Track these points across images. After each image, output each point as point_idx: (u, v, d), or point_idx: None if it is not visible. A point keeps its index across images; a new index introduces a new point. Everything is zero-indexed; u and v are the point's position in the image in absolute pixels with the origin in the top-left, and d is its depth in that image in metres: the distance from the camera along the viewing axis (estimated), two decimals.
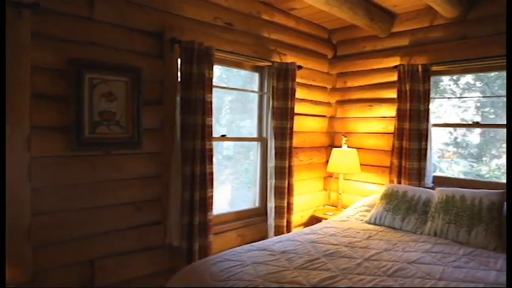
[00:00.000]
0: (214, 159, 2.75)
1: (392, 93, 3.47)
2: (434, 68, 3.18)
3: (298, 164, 3.72)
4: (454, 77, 3.44)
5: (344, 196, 3.82)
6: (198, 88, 2.57)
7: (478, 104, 3.42)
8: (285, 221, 3.30)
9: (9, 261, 1.93)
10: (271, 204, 3.30)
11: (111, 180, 2.34)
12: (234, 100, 3.60)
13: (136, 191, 2.46)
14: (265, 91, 3.43)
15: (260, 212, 3.43)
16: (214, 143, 2.79)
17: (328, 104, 4.09)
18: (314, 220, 3.78)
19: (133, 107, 2.38)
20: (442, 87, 3.53)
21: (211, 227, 2.73)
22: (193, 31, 2.69)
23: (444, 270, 2.01)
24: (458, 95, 3.47)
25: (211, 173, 2.71)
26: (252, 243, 2.45)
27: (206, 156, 2.64)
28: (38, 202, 2.03)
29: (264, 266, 2.03)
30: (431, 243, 2.44)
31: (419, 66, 3.17)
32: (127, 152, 2.40)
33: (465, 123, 3.42)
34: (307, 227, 2.97)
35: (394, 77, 3.44)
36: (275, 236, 3.17)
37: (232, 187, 3.61)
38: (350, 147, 3.74)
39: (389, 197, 3.03)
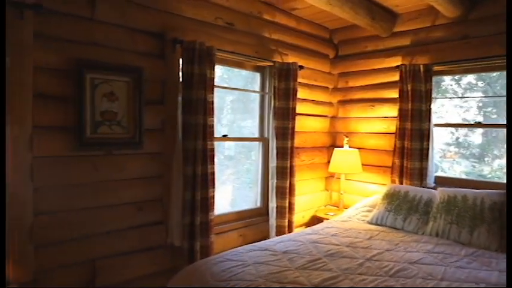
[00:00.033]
0: (215, 159, 2.75)
1: (394, 93, 3.46)
2: (436, 68, 3.17)
3: (300, 164, 3.71)
4: (456, 77, 3.44)
5: (345, 196, 3.81)
6: (200, 88, 2.58)
7: (480, 104, 3.41)
8: (286, 221, 3.30)
9: (11, 261, 1.94)
10: (272, 204, 3.30)
11: (113, 180, 2.35)
12: (236, 100, 3.60)
13: (137, 191, 2.47)
14: (267, 91, 3.43)
15: (261, 212, 3.42)
16: (216, 143, 2.79)
17: (330, 104, 4.08)
18: (315, 220, 3.78)
19: (135, 107, 2.39)
20: (443, 87, 3.52)
21: (213, 227, 2.73)
22: (194, 31, 2.69)
23: (446, 270, 2.01)
24: (460, 95, 3.47)
25: (213, 173, 2.71)
26: (253, 243, 2.45)
27: (208, 156, 2.65)
28: (40, 202, 2.04)
29: (266, 266, 2.03)
30: (433, 244, 2.43)
31: (421, 66, 3.17)
32: (128, 152, 2.40)
33: (467, 123, 3.42)
34: (308, 227, 2.96)
35: (395, 77, 3.44)
36: (276, 236, 3.17)
37: (234, 187, 3.61)
38: (352, 147, 3.74)
39: (391, 197, 3.03)
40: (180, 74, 2.59)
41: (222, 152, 3.46)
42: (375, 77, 3.69)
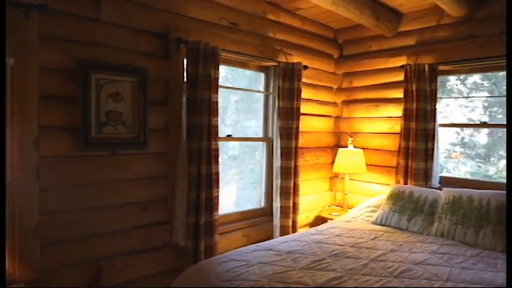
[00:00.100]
0: (219, 159, 2.75)
1: (399, 93, 3.45)
2: (441, 68, 3.15)
3: (304, 164, 3.71)
4: (461, 77, 3.42)
5: (350, 196, 3.80)
6: (204, 88, 2.58)
7: (486, 104, 3.39)
8: (290, 221, 3.29)
9: (17, 260, 1.96)
10: (276, 204, 3.30)
11: (118, 180, 2.36)
12: (240, 100, 3.61)
13: (142, 191, 2.48)
14: (271, 91, 3.43)
15: (266, 212, 3.43)
16: (220, 143, 2.79)
17: (334, 104, 4.07)
18: (320, 220, 3.77)
19: (140, 107, 2.40)
20: (449, 87, 3.50)
21: (217, 227, 2.74)
22: (198, 31, 2.69)
23: (451, 271, 2.00)
24: (466, 95, 3.44)
25: (217, 173, 2.71)
26: (257, 243, 2.45)
27: (212, 156, 2.65)
28: (45, 202, 2.05)
29: (270, 266, 2.03)
30: (438, 244, 2.42)
31: (426, 65, 3.15)
32: (133, 152, 2.42)
33: (472, 123, 3.39)
34: (312, 227, 2.96)
35: (400, 77, 3.42)
36: (281, 236, 3.17)
37: (238, 187, 3.61)
38: (356, 148, 3.73)
39: (395, 198, 3.02)
40: (185, 74, 2.59)
41: (226, 152, 3.46)
42: (380, 77, 3.68)
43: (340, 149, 3.74)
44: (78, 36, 2.15)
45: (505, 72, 3.10)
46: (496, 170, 3.29)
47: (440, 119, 3.28)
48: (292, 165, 3.28)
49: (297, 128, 3.31)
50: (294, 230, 3.31)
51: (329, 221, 3.24)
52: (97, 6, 2.21)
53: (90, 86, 2.18)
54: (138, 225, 2.47)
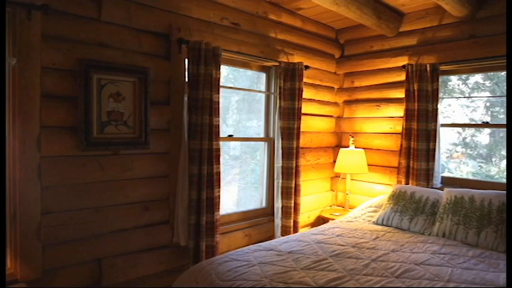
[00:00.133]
0: (221, 159, 2.75)
1: (400, 93, 3.45)
2: (442, 68, 3.15)
3: (305, 164, 3.71)
4: (463, 77, 3.41)
5: (351, 196, 3.80)
6: (206, 88, 2.58)
7: (488, 104, 3.38)
8: (291, 221, 3.29)
9: (19, 259, 1.96)
10: (278, 204, 3.30)
11: (119, 180, 2.36)
12: (241, 100, 3.61)
13: (144, 191, 2.48)
14: (272, 91, 3.43)
15: (267, 212, 3.43)
16: (221, 143, 2.79)
17: (336, 104, 4.07)
18: (321, 220, 3.77)
19: (141, 107, 2.40)
20: (450, 87, 3.50)
21: (218, 226, 2.74)
22: (200, 31, 2.70)
23: (453, 271, 1.99)
24: (467, 95, 3.44)
25: (218, 173, 2.72)
26: (258, 243, 2.45)
27: (213, 156, 2.65)
28: (47, 201, 2.06)
29: (271, 266, 2.03)
30: (440, 245, 2.41)
31: (428, 65, 3.15)
32: (135, 152, 2.42)
33: (474, 123, 3.39)
34: (314, 228, 2.96)
35: (402, 77, 3.42)
36: (282, 236, 3.17)
37: (239, 187, 3.61)
38: (357, 148, 3.72)
39: (397, 198, 3.01)
40: (186, 74, 2.60)
41: (228, 152, 3.47)
42: (381, 76, 3.68)
43: (341, 149, 3.74)
44: (80, 36, 2.15)
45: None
46: (497, 170, 3.29)
47: (441, 119, 3.28)
48: (294, 165, 3.28)
49: (298, 128, 3.31)
50: (295, 230, 3.31)
51: (330, 221, 3.23)
52: (99, 6, 2.21)
53: (92, 85, 2.18)
54: (140, 225, 2.47)
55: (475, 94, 3.41)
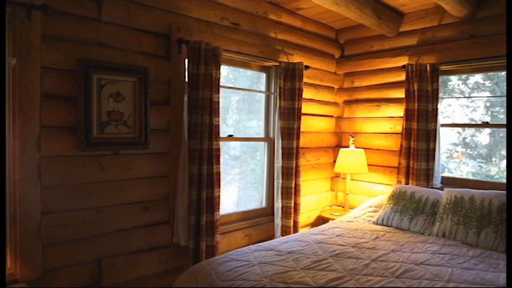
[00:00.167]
0: (221, 159, 2.75)
1: (400, 93, 3.45)
2: (442, 68, 3.15)
3: (305, 164, 3.71)
4: (463, 77, 3.41)
5: (351, 196, 3.80)
6: (206, 88, 2.58)
7: (488, 104, 3.38)
8: (291, 221, 3.29)
9: (19, 259, 1.96)
10: (278, 204, 3.30)
11: (119, 180, 2.36)
12: (241, 100, 3.61)
13: (144, 191, 2.48)
14: (272, 91, 3.43)
15: (267, 212, 3.43)
16: (221, 143, 2.79)
17: (336, 104, 4.07)
18: (321, 220, 3.77)
19: (141, 107, 2.40)
20: (450, 87, 3.50)
21: (218, 226, 2.74)
22: (200, 31, 2.70)
23: (453, 271, 1.99)
24: (467, 95, 3.44)
25: (218, 173, 2.72)
26: (258, 243, 2.45)
27: (213, 156, 2.65)
28: (47, 201, 2.06)
29: (271, 266, 2.03)
30: (440, 245, 2.41)
31: (428, 65, 3.15)
32: (135, 152, 2.42)
33: (474, 123, 3.39)
34: (314, 228, 2.96)
35: (402, 77, 3.42)
36: (282, 236, 3.17)
37: (239, 187, 3.61)
38: (357, 148, 3.72)
39: (397, 198, 3.01)
40: (186, 74, 2.60)
41: (228, 152, 3.47)
42: (381, 76, 3.68)
43: (341, 149, 3.74)
44: (80, 36, 2.15)
45: None
46: (497, 170, 3.29)
47: (441, 119, 3.28)
48: (294, 165, 3.28)
49: (298, 128, 3.31)
50: (295, 230, 3.31)
51: (330, 221, 3.23)
52: (99, 6, 2.21)
53: (92, 85, 2.18)
54: (140, 225, 2.47)
55: (475, 94, 3.41)
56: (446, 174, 3.40)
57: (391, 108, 3.61)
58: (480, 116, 3.40)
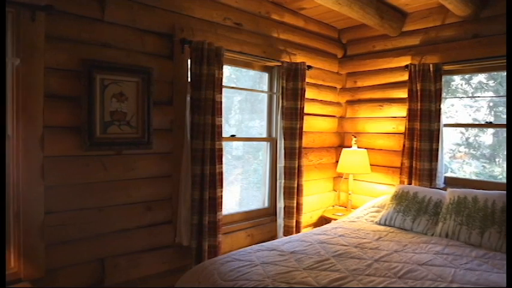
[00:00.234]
0: (223, 159, 2.75)
1: (403, 93, 3.44)
2: (446, 67, 3.14)
3: (308, 164, 3.71)
4: (466, 76, 3.40)
5: (354, 197, 3.80)
6: (208, 88, 2.59)
7: (491, 104, 3.36)
8: (294, 221, 3.29)
9: (22, 259, 1.97)
10: (280, 204, 3.30)
11: (122, 180, 2.37)
12: (243, 100, 3.61)
13: (146, 191, 2.49)
14: (275, 91, 3.43)
15: (269, 212, 3.43)
16: (224, 143, 2.80)
17: (338, 104, 4.06)
18: (323, 221, 3.76)
19: (144, 107, 2.41)
20: (453, 87, 3.48)
21: (221, 226, 2.74)
22: (203, 31, 2.70)
23: (456, 272, 1.98)
24: (470, 95, 3.42)
25: (221, 173, 2.72)
26: (261, 243, 2.45)
27: (216, 156, 2.65)
28: (50, 201, 2.07)
29: (273, 266, 2.03)
30: (443, 245, 2.41)
31: (431, 65, 3.13)
32: (138, 152, 2.43)
33: (477, 123, 3.37)
34: (316, 228, 2.96)
35: (404, 77, 3.41)
36: (284, 236, 3.17)
37: (242, 187, 3.62)
38: (360, 148, 3.72)
39: (399, 198, 3.00)
40: (189, 74, 2.60)
41: (230, 152, 3.47)
42: (384, 76, 3.67)
43: (344, 149, 3.73)
44: (84, 36, 2.16)
45: None
46: (501, 171, 3.27)
47: (444, 119, 3.26)
48: (296, 165, 3.28)
49: (301, 128, 3.31)
50: (298, 230, 3.31)
51: (333, 221, 3.23)
52: (102, 7, 2.22)
53: (95, 86, 2.19)
54: (143, 225, 2.48)
55: (479, 94, 3.40)
56: (449, 174, 3.39)
57: (393, 108, 3.60)
58: (483, 116, 3.39)
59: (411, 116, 3.27)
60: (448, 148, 3.47)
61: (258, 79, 3.53)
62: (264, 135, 3.48)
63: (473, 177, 3.30)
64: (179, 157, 2.61)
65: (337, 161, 3.91)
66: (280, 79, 3.29)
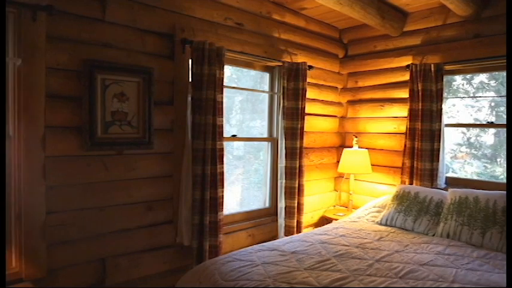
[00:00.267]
0: (224, 159, 2.75)
1: (404, 93, 3.43)
2: (447, 67, 3.13)
3: (309, 164, 3.70)
4: (468, 76, 3.39)
5: (355, 197, 3.79)
6: (209, 88, 2.59)
7: (493, 104, 3.36)
8: (295, 221, 3.29)
9: (24, 259, 1.97)
10: (281, 204, 3.30)
11: (123, 180, 2.37)
12: (245, 100, 3.61)
13: (147, 191, 2.49)
14: (276, 91, 3.43)
15: (270, 212, 3.43)
16: (225, 143, 2.80)
17: (339, 104, 4.06)
18: (324, 221, 3.76)
19: (145, 107, 2.41)
20: (455, 87, 3.48)
21: (222, 226, 2.74)
22: (204, 31, 2.70)
23: (457, 272, 1.98)
24: (472, 95, 3.42)
25: (222, 173, 2.72)
26: (262, 243, 2.45)
27: (217, 156, 2.65)
28: (52, 201, 2.07)
29: (274, 266, 2.03)
30: (444, 245, 2.40)
31: (432, 65, 3.13)
32: (139, 152, 2.43)
33: (479, 123, 3.37)
34: (317, 228, 2.96)
35: (406, 77, 3.41)
36: (285, 236, 3.17)
37: (243, 187, 3.61)
38: (361, 148, 3.71)
39: (400, 198, 3.00)
40: (190, 74, 2.60)
41: (231, 152, 3.47)
42: (385, 76, 3.66)
43: (345, 149, 3.73)
44: (85, 36, 2.16)
45: None
46: (502, 171, 3.26)
47: (446, 119, 3.26)
48: (297, 165, 3.28)
49: (302, 128, 3.31)
50: (299, 230, 3.31)
51: (334, 222, 3.23)
52: (103, 7, 2.22)
53: (96, 86, 2.19)
54: (143, 225, 2.48)
55: (480, 94, 3.39)
56: (450, 174, 3.39)
57: (395, 108, 3.60)
58: (485, 116, 3.38)
59: (412, 116, 3.26)
60: (450, 148, 3.46)
61: (259, 79, 3.53)
62: (265, 135, 3.48)
63: (475, 178, 3.29)
64: (180, 157, 2.61)
65: (338, 161, 3.91)
66: (281, 79, 3.28)
